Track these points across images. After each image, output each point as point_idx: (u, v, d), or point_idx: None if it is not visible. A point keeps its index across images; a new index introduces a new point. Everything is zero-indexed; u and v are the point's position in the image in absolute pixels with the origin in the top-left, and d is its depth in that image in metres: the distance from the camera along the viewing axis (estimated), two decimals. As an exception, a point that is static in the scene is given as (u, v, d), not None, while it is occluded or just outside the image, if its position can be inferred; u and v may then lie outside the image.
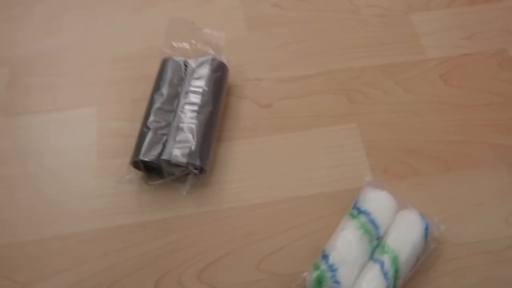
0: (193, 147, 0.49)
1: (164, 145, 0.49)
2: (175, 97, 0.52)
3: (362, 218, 0.46)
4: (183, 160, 0.48)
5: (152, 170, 0.51)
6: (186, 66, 0.54)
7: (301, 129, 0.55)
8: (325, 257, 0.45)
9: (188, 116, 0.50)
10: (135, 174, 0.51)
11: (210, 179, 0.52)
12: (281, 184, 0.52)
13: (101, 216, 0.50)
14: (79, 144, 0.54)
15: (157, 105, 0.51)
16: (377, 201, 0.47)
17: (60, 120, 0.56)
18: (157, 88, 0.53)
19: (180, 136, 0.49)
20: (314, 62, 0.60)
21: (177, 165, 0.48)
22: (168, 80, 0.53)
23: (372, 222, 0.46)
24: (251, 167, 0.53)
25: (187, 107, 0.51)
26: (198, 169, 0.49)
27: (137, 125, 0.53)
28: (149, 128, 0.50)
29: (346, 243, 0.45)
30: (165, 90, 0.52)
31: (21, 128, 0.55)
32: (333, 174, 0.52)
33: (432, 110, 0.56)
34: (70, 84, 0.59)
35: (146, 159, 0.48)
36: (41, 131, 0.55)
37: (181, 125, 0.50)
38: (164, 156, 0.48)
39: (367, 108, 0.56)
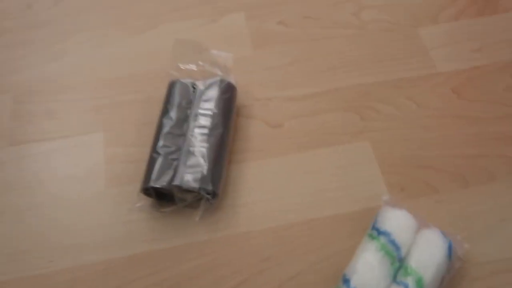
0: (205, 172, 0.47)
1: (175, 170, 0.48)
2: (184, 120, 0.51)
3: (382, 239, 0.45)
4: (195, 185, 0.47)
5: (163, 196, 0.49)
6: (194, 88, 0.53)
7: (314, 148, 0.54)
8: (346, 281, 0.44)
9: (199, 140, 0.49)
10: (146, 201, 0.49)
11: (223, 203, 0.51)
12: (296, 206, 0.51)
13: (112, 246, 0.48)
14: (87, 171, 0.53)
15: (166, 129, 0.50)
16: (396, 221, 0.46)
17: (66, 148, 0.55)
18: (165, 111, 0.52)
19: (191, 161, 0.48)
20: (322, 80, 0.59)
21: (189, 190, 0.47)
22: (176, 103, 0.52)
23: (393, 243, 0.45)
24: (265, 189, 0.52)
25: (197, 130, 0.50)
26: (211, 194, 0.47)
27: (146, 150, 0.52)
28: (159, 154, 0.49)
29: (368, 266, 0.44)
30: (174, 113, 0.51)
31: (27, 157, 0.54)
32: (349, 194, 0.51)
33: (445, 124, 0.55)
34: (75, 109, 0.58)
35: (157, 186, 0.47)
36: (47, 160, 0.54)
37: (191, 149, 0.49)
38: (176, 182, 0.47)
39: (379, 125, 0.55)
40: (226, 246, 0.48)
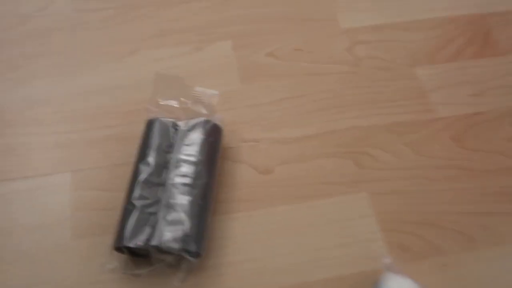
0: (187, 230, 0.42)
1: (153, 227, 0.42)
2: (164, 167, 0.45)
3: (385, 312, 0.40)
4: (177, 246, 0.41)
5: (137, 252, 0.43)
6: (175, 129, 0.48)
7: (306, 200, 0.49)
8: None
9: (180, 191, 0.44)
10: (119, 260, 0.43)
11: (206, 262, 0.45)
12: (286, 267, 0.46)
13: (76, 311, 0.42)
14: (51, 219, 0.47)
15: (143, 176, 0.44)
16: (400, 291, 0.42)
17: (28, 190, 0.48)
18: (142, 156, 0.46)
19: (171, 216, 0.42)
20: (314, 120, 0.55)
21: (169, 251, 0.41)
22: (155, 146, 0.46)
23: (396, 317, 0.40)
24: (252, 246, 0.46)
25: (178, 179, 0.44)
26: (194, 255, 0.42)
27: (119, 196, 0.46)
28: (134, 206, 0.43)
29: None
30: (152, 158, 0.46)
31: (-20, 202, 0.47)
32: (345, 254, 0.47)
33: (446, 176, 0.51)
34: (40, 145, 0.51)
35: (132, 246, 0.41)
36: (4, 204, 0.47)
37: (172, 201, 0.43)
38: (154, 242, 0.41)
39: (377, 174, 0.51)
40: (208, 313, 0.43)
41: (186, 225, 0.42)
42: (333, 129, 0.54)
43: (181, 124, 0.48)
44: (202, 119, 0.48)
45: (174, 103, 0.50)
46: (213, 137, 0.48)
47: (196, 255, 0.42)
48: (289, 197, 0.49)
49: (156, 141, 0.47)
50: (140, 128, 0.49)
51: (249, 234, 0.47)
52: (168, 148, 0.47)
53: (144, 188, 0.44)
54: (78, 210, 0.47)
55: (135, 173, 0.45)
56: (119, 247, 0.42)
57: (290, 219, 0.48)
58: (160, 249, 0.41)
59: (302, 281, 0.45)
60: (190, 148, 0.46)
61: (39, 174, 0.49)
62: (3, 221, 0.46)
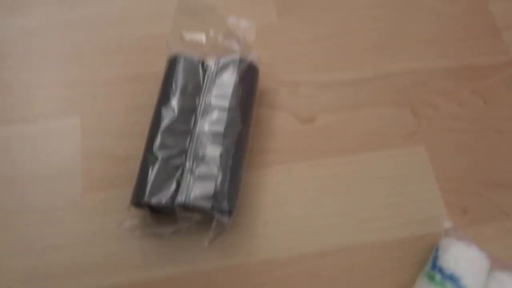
0: (219, 186, 0.36)
1: (178, 182, 0.36)
2: (191, 112, 0.39)
3: (449, 286, 0.34)
4: (207, 204, 0.35)
5: (159, 211, 0.38)
6: (204, 68, 0.41)
7: (354, 153, 0.42)
8: None
9: (210, 141, 0.37)
10: (137, 217, 0.38)
11: (237, 221, 0.39)
12: (329, 229, 0.40)
13: (92, 271, 0.37)
14: (58, 169, 0.41)
15: (166, 123, 0.38)
16: (467, 262, 0.35)
17: (30, 135, 0.42)
18: (165, 98, 0.39)
19: (200, 169, 0.36)
20: (366, 61, 0.46)
21: (197, 209, 0.36)
22: (180, 88, 0.39)
23: (463, 292, 0.34)
24: (290, 204, 0.40)
25: (207, 127, 0.38)
26: (225, 214, 0.36)
27: (136, 144, 0.40)
28: (156, 157, 0.36)
29: (430, 323, 0.33)
30: (176, 102, 0.39)
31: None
32: (398, 215, 0.40)
33: (520, 129, 0.43)
34: (41, 83, 0.44)
35: (153, 203, 0.35)
36: (5, 150, 0.42)
37: (201, 153, 0.37)
38: (181, 199, 0.35)
39: (437, 125, 0.44)
40: (240, 278, 0.38)
41: (218, 180, 0.36)
42: (388, 72, 0.46)
43: (210, 63, 0.41)
44: (236, 56, 0.40)
45: (201, 37, 0.42)
46: (249, 78, 0.41)
47: (228, 214, 0.36)
48: (334, 149, 0.42)
49: (181, 82, 0.39)
50: (159, 67, 0.42)
51: (287, 191, 0.41)
52: (195, 90, 0.39)
53: (167, 136, 0.37)
54: (89, 159, 0.41)
55: (157, 119, 0.38)
56: (139, 203, 0.36)
57: (334, 175, 0.41)
58: (187, 207, 0.35)
59: (347, 244, 0.39)
60: (222, 91, 0.39)
61: (43, 117, 0.43)
62: (3, 168, 0.41)
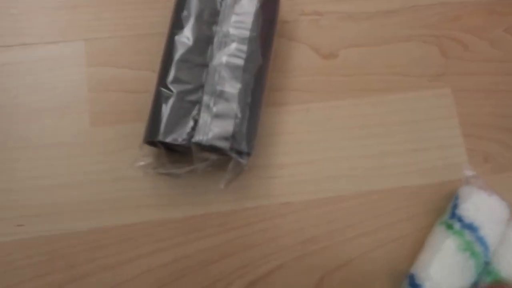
0: (238, 125, 0.33)
1: (195, 120, 0.33)
2: (206, 42, 0.35)
3: (468, 235, 0.34)
4: (225, 144, 0.33)
5: (174, 149, 0.35)
6: (221, -9, 0.36)
7: (376, 93, 0.40)
8: (415, 286, 0.34)
9: (229, 76, 0.34)
10: (150, 156, 0.35)
11: (254, 163, 0.37)
12: (348, 172, 0.38)
13: (103, 210, 0.36)
14: (62, 101, 0.38)
15: (180, 54, 0.34)
16: (488, 212, 0.35)
17: (29, 62, 0.38)
18: (178, 26, 0.35)
19: (218, 106, 0.33)
20: (394, -9, 0.42)
21: (214, 149, 0.33)
22: (195, 14, 0.35)
23: (481, 241, 0.34)
24: (309, 146, 0.38)
25: (226, 60, 0.34)
26: (244, 155, 0.34)
27: (146, 76, 0.37)
28: (170, 91, 0.33)
29: (447, 270, 0.33)
30: (190, 31, 0.35)
31: (-28, 73, 0.38)
32: (418, 161, 0.39)
33: (551, 74, 0.41)
34: (38, 2, 0.40)
35: (169, 141, 0.33)
36: (5, 79, 0.38)
37: (219, 88, 0.34)
38: (198, 139, 0.33)
39: (466, 66, 0.41)
40: (256, 220, 0.37)
41: (237, 118, 0.33)
42: (415, 5, 0.42)
43: (228, -15, 0.36)
44: (255, -21, 0.36)
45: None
46: (270, 6, 0.36)
47: (247, 155, 0.34)
48: (356, 88, 0.40)
49: (196, 7, 0.35)
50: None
51: (305, 132, 0.39)
52: (211, 17, 0.35)
53: (182, 68, 0.34)
54: (96, 91, 0.38)
55: (169, 49, 0.35)
56: (153, 142, 0.33)
57: (354, 116, 0.39)
58: (204, 147, 0.33)
59: (365, 190, 0.38)
60: (242, 20, 0.35)
61: (43, 42, 0.39)
62: (3, 100, 0.37)
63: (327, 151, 0.38)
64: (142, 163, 0.35)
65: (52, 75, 0.38)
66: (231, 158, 0.34)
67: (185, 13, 0.35)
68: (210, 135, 0.33)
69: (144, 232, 0.36)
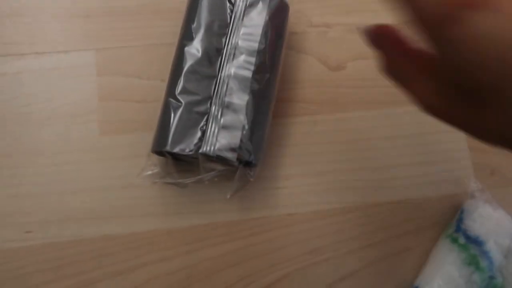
0: (245, 136, 0.34)
1: (202, 131, 0.34)
2: (216, 54, 0.35)
3: (473, 249, 0.34)
4: (232, 156, 0.33)
5: (180, 159, 0.36)
6: (231, 3, 0.37)
7: (383, 106, 0.40)
8: (420, 299, 0.34)
9: (238, 87, 0.34)
10: (158, 166, 0.36)
11: (260, 174, 0.38)
12: (354, 184, 0.39)
13: (109, 218, 0.36)
14: (74, 109, 0.38)
15: (189, 65, 0.35)
16: (493, 226, 0.35)
17: (42, 70, 0.39)
18: (188, 37, 0.36)
19: (226, 118, 0.34)
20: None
21: (220, 160, 0.34)
22: (205, 25, 0.36)
23: (486, 255, 0.34)
24: (315, 157, 0.39)
25: (235, 71, 0.35)
26: (250, 166, 0.34)
27: (156, 86, 0.38)
28: (179, 102, 0.34)
29: (451, 284, 0.34)
30: (200, 42, 0.35)
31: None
32: (424, 173, 0.39)
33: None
34: (53, 12, 0.40)
35: (177, 152, 0.33)
36: (15, 84, 0.38)
37: (227, 100, 0.34)
38: (205, 150, 0.33)
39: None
40: (262, 230, 0.37)
41: (245, 130, 0.34)
42: (424, 18, 0.42)
43: (238, -2, 0.37)
44: (265, -8, 0.37)
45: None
46: (279, 18, 0.37)
47: (253, 166, 0.35)
48: (363, 101, 0.40)
49: (206, 18, 0.36)
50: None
51: (312, 144, 0.39)
52: (221, 29, 0.36)
53: (191, 80, 0.35)
54: (106, 100, 0.39)
55: (179, 60, 0.35)
56: (161, 151, 0.34)
57: (362, 129, 0.40)
58: (211, 158, 0.33)
59: (370, 202, 0.38)
60: (251, 32, 0.35)
61: (56, 51, 0.39)
62: (18, 105, 0.38)
63: (333, 163, 0.39)
64: (149, 172, 0.35)
65: (64, 83, 0.38)
66: (238, 168, 0.34)
67: (195, 24, 0.36)
68: (217, 146, 0.33)
69: (150, 240, 0.36)
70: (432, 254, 0.36)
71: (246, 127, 0.34)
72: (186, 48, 0.35)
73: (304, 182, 0.38)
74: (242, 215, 0.37)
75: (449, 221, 0.38)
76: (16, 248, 0.35)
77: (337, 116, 0.40)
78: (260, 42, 0.35)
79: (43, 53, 0.39)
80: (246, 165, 0.34)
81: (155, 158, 0.35)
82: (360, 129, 0.40)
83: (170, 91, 0.35)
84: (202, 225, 0.37)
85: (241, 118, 0.34)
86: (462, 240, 0.35)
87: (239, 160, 0.33)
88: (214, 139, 0.33)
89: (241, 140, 0.33)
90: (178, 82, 0.34)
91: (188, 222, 0.37)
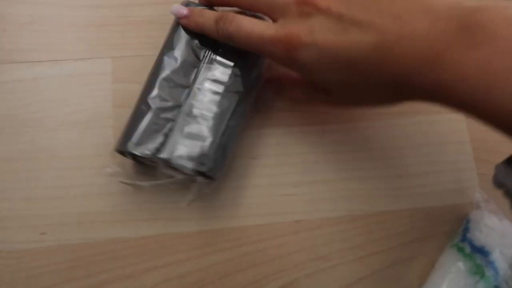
0: (206, 148, 0.34)
1: (166, 136, 0.34)
2: (193, 66, 0.36)
3: (479, 259, 0.35)
4: (189, 165, 0.33)
5: (142, 162, 0.36)
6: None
7: (390, 116, 0.41)
8: (425, 307, 0.34)
9: (207, 100, 0.35)
10: (120, 166, 0.36)
11: (268, 180, 0.38)
12: (361, 193, 0.39)
13: (121, 221, 0.37)
14: (89, 115, 0.39)
15: (166, 73, 0.35)
16: (499, 236, 0.36)
17: (60, 76, 0.40)
18: (169, 47, 0.36)
19: (190, 127, 0.34)
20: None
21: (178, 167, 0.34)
22: (186, 38, 0.36)
23: (492, 265, 0.35)
24: (323, 165, 0.40)
25: (208, 85, 0.35)
26: (208, 178, 0.35)
27: None
28: (149, 106, 0.35)
29: (457, 293, 0.34)
30: (180, 52, 0.36)
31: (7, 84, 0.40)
32: (430, 183, 0.40)
33: None
34: (69, 20, 0.42)
35: (136, 153, 0.33)
36: (33, 91, 0.40)
37: (195, 110, 0.35)
38: (164, 154, 0.33)
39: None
40: (269, 237, 0.38)
41: (206, 142, 0.34)
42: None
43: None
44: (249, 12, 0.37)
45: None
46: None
47: (211, 178, 0.35)
48: (370, 112, 0.41)
49: (189, 31, 0.37)
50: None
51: (320, 152, 0.40)
52: (203, 44, 0.36)
53: (164, 87, 0.35)
54: (120, 106, 0.40)
55: (158, 67, 0.36)
56: (123, 151, 0.34)
57: (370, 139, 0.40)
58: (169, 164, 0.34)
59: (377, 210, 0.39)
60: (230, 47, 0.35)
61: (72, 58, 0.41)
62: (34, 110, 0.39)
63: (341, 171, 0.39)
64: (110, 170, 0.36)
65: (79, 90, 0.40)
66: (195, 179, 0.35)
67: (176, 36, 0.36)
68: (176, 153, 0.34)
69: (161, 244, 0.37)
70: (437, 263, 0.36)
71: (209, 139, 0.34)
72: (165, 57, 0.36)
73: (312, 190, 0.39)
74: (250, 221, 0.38)
75: (454, 231, 0.38)
76: (30, 249, 0.36)
77: (346, 126, 0.40)
78: (238, 58, 0.36)
79: (59, 60, 0.40)
80: (204, 177, 0.35)
81: (119, 157, 0.36)
82: (367, 139, 0.40)
83: (143, 96, 0.35)
84: (211, 230, 0.37)
85: (205, 130, 0.34)
86: (467, 249, 0.35)
87: (197, 170, 0.34)
88: (175, 146, 0.34)
89: (201, 151, 0.34)
90: (153, 89, 0.35)
91: (198, 227, 0.37)
